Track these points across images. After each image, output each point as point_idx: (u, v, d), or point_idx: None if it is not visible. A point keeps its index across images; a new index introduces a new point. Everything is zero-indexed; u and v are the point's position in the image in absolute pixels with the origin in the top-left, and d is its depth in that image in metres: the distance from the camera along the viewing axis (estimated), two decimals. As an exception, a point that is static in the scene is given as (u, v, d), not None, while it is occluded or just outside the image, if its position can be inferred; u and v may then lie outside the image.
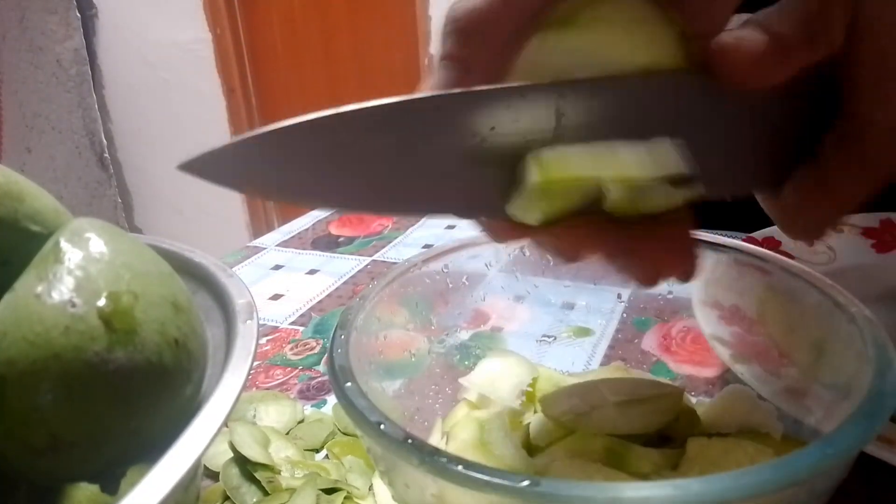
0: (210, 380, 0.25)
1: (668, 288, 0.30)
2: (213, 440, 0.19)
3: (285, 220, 0.68)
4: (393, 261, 0.57)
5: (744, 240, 0.40)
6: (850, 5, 0.20)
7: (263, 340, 0.45)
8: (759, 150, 0.22)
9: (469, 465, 0.17)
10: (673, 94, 0.21)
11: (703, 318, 0.30)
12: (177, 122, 2.14)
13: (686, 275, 0.23)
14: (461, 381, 0.29)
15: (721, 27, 0.21)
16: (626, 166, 0.20)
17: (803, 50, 0.20)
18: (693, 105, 0.21)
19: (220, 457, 0.32)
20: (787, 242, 0.45)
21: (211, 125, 2.10)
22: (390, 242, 0.60)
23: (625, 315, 0.33)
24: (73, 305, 0.21)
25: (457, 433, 0.25)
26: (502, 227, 0.21)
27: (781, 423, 0.24)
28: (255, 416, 0.36)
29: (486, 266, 0.30)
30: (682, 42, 0.21)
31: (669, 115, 0.21)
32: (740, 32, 0.20)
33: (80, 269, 0.22)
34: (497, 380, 0.28)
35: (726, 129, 0.21)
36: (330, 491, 0.30)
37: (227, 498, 0.30)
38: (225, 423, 0.20)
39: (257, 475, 0.30)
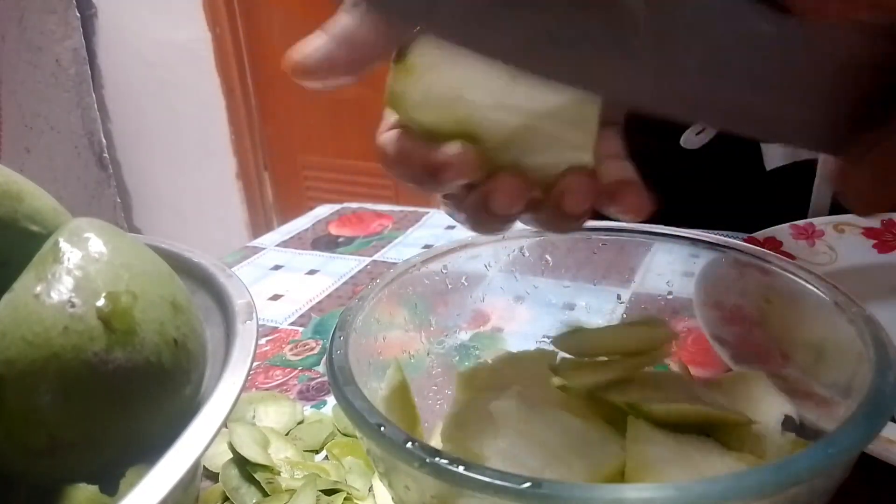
0: (209, 380, 0.25)
1: (668, 288, 0.30)
2: (212, 441, 0.19)
3: (285, 220, 0.68)
4: (393, 261, 0.57)
5: (745, 240, 0.40)
6: None
7: (263, 341, 0.45)
8: (829, 100, 0.21)
9: (469, 466, 0.17)
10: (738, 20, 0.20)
11: (705, 318, 0.30)
12: (176, 121, 2.14)
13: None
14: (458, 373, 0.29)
15: None
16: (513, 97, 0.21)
17: None
18: (759, 34, 0.20)
19: (220, 457, 0.32)
20: (788, 243, 0.45)
21: (210, 125, 2.09)
22: (390, 243, 0.60)
23: (625, 315, 0.33)
24: (72, 305, 0.21)
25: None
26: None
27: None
28: (254, 416, 0.36)
29: (486, 266, 0.30)
30: None
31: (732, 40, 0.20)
32: None
33: (79, 269, 0.22)
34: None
35: (797, 68, 0.20)
36: (330, 492, 0.30)
37: (226, 499, 0.30)
38: (224, 424, 0.20)
39: (257, 476, 0.30)
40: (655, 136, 0.29)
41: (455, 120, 0.22)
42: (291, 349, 0.44)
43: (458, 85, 0.22)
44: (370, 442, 0.19)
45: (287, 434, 0.35)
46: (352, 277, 0.54)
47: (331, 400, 0.38)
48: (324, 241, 0.62)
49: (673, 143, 0.53)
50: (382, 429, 0.19)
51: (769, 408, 0.24)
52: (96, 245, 0.23)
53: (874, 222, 0.46)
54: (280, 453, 0.32)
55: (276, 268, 0.57)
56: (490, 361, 0.29)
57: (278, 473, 0.31)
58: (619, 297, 0.32)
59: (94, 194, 2.07)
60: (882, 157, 0.21)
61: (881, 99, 0.20)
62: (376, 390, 0.25)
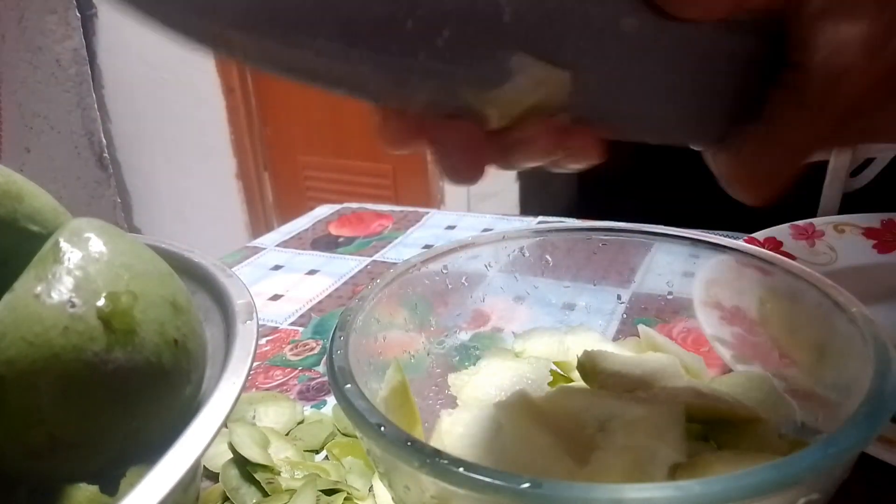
0: (209, 380, 0.25)
1: (668, 289, 0.30)
2: (212, 441, 0.19)
3: (285, 220, 0.68)
4: (393, 261, 0.57)
5: (745, 240, 0.40)
6: None
7: (263, 341, 0.45)
8: (701, 96, 0.22)
9: (469, 466, 0.17)
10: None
11: (705, 318, 0.30)
12: (176, 121, 2.14)
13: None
14: (450, 378, 0.28)
15: None
16: None
17: None
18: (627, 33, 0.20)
19: (220, 458, 0.32)
20: (788, 243, 0.45)
21: (210, 125, 2.09)
22: (390, 243, 0.60)
23: (625, 316, 0.33)
24: (73, 306, 0.21)
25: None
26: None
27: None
28: (254, 416, 0.36)
29: (486, 267, 0.30)
30: None
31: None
32: None
33: (79, 269, 0.22)
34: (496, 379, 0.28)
35: (665, 65, 0.21)
36: (330, 492, 0.30)
37: (226, 499, 0.30)
38: (224, 424, 0.20)
39: (257, 476, 0.30)
40: None
41: None
42: (291, 349, 0.44)
43: None
44: (370, 442, 0.19)
45: (287, 434, 0.35)
46: (352, 277, 0.54)
47: (331, 400, 0.38)
48: (324, 242, 0.62)
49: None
50: (382, 429, 0.19)
51: (770, 408, 0.24)
52: (96, 245, 0.23)
53: (874, 222, 0.46)
54: (280, 453, 0.32)
55: (276, 268, 0.57)
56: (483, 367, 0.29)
57: (278, 473, 0.31)
58: (619, 297, 0.32)
59: (94, 194, 2.07)
60: (749, 147, 0.22)
61: (757, 91, 0.21)
62: (376, 390, 0.25)
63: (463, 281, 0.30)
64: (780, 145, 0.21)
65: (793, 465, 0.16)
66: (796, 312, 0.25)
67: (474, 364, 0.30)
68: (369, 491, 0.30)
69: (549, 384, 0.28)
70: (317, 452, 0.34)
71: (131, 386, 0.22)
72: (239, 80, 2.05)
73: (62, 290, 0.22)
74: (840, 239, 0.45)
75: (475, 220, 0.64)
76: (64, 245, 0.23)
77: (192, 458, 0.19)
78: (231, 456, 0.32)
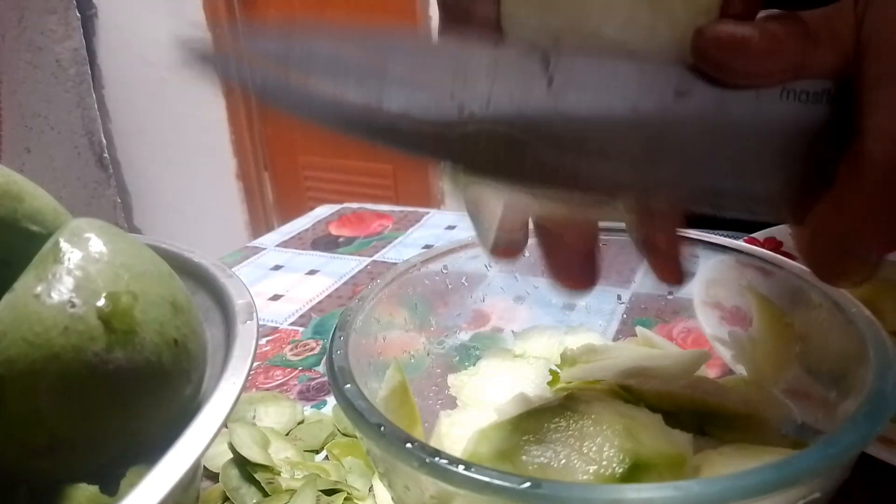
0: (210, 380, 0.25)
1: (668, 288, 0.30)
2: (212, 441, 0.19)
3: (285, 220, 0.68)
4: (393, 261, 0.57)
5: (745, 240, 0.40)
6: (855, 17, 0.19)
7: (263, 341, 0.45)
8: (774, 169, 0.21)
9: (469, 466, 0.17)
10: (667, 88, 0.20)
11: (705, 318, 0.30)
12: (176, 121, 2.14)
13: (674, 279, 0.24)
14: (449, 378, 0.28)
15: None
16: None
17: (795, 48, 0.19)
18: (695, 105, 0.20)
19: (220, 458, 0.32)
20: (789, 243, 0.45)
21: (210, 125, 2.09)
22: (390, 243, 0.60)
23: (625, 316, 0.33)
24: (73, 306, 0.21)
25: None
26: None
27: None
28: (254, 416, 0.36)
29: (486, 267, 0.30)
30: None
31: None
32: (735, 26, 0.19)
33: (79, 269, 0.22)
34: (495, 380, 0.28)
35: (734, 138, 0.20)
36: (330, 492, 0.30)
37: (226, 499, 0.30)
38: (224, 424, 0.20)
39: (257, 476, 0.30)
40: None
41: None
42: (291, 349, 0.44)
43: None
44: (370, 442, 0.19)
45: (287, 434, 0.35)
46: (352, 277, 0.54)
47: (331, 400, 0.38)
48: (324, 242, 0.62)
49: None
50: (382, 429, 0.19)
51: (769, 408, 0.24)
52: (96, 245, 0.23)
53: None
54: (280, 453, 0.32)
55: (277, 268, 0.57)
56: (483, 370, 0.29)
57: (278, 473, 0.31)
58: (619, 297, 0.32)
59: (94, 194, 2.07)
60: (815, 219, 0.20)
61: (830, 164, 0.20)
62: (376, 390, 0.25)
63: (463, 281, 0.30)
64: (844, 217, 0.20)
65: (793, 465, 0.16)
66: (796, 313, 0.25)
67: (474, 364, 0.30)
68: (369, 491, 0.30)
69: (549, 384, 0.28)
70: (317, 452, 0.34)
71: (131, 386, 0.22)
72: (239, 80, 2.05)
73: (62, 290, 0.22)
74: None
75: (475, 220, 0.63)
76: (64, 245, 0.23)
77: (192, 458, 0.19)
78: (231, 456, 0.32)
